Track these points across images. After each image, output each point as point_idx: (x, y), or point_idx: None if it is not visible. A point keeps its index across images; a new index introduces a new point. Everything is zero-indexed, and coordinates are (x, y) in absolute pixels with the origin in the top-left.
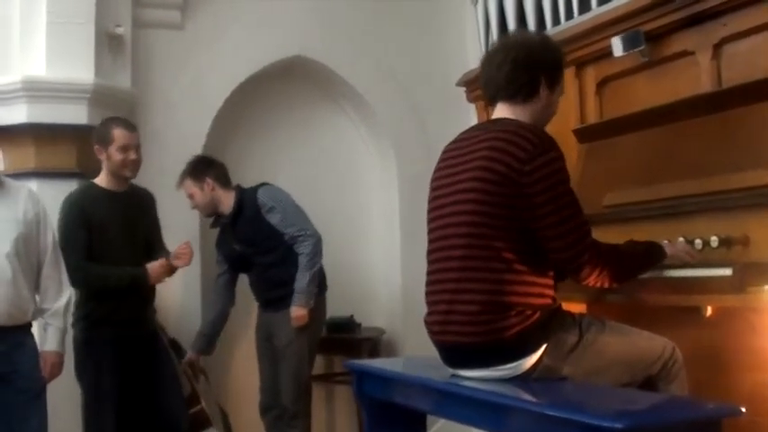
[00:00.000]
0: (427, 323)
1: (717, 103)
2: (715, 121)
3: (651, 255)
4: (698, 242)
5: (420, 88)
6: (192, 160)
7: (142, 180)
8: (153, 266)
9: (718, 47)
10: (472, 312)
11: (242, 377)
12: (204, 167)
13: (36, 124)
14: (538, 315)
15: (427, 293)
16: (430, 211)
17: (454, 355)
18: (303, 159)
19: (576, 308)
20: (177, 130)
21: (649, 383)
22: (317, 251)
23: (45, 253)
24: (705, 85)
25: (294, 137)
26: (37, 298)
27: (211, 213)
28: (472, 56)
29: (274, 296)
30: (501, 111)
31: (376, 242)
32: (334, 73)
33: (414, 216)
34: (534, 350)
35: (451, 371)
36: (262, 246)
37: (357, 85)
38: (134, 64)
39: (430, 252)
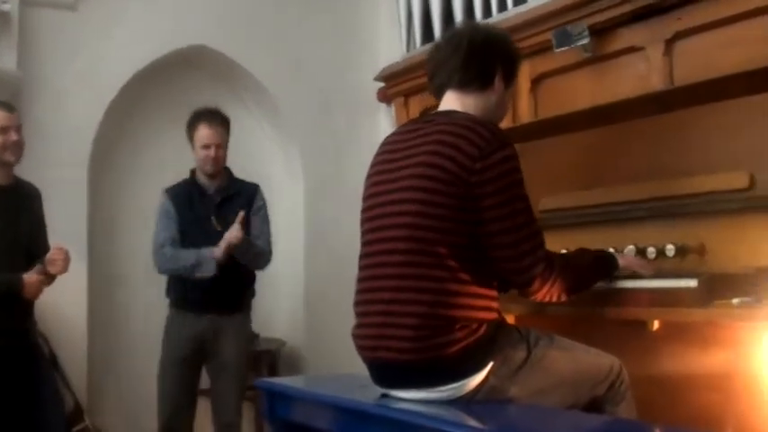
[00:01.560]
0: (356, 337)
1: (669, 102)
2: (666, 122)
3: (604, 266)
4: (651, 250)
5: (329, 84)
6: (217, 109)
7: (23, 173)
8: (31, 279)
9: (670, 42)
10: (411, 326)
11: None
12: (230, 124)
13: None
14: (484, 329)
15: (357, 303)
16: (364, 210)
17: (388, 373)
18: None
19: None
20: (66, 120)
21: (595, 405)
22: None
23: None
24: (655, 83)
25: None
26: None
27: (216, 173)
28: (386, 51)
29: (231, 297)
30: (449, 102)
31: (278, 247)
32: (238, 65)
33: (319, 220)
34: (480, 368)
35: (383, 391)
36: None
37: (262, 78)
38: (21, 45)
39: (363, 257)
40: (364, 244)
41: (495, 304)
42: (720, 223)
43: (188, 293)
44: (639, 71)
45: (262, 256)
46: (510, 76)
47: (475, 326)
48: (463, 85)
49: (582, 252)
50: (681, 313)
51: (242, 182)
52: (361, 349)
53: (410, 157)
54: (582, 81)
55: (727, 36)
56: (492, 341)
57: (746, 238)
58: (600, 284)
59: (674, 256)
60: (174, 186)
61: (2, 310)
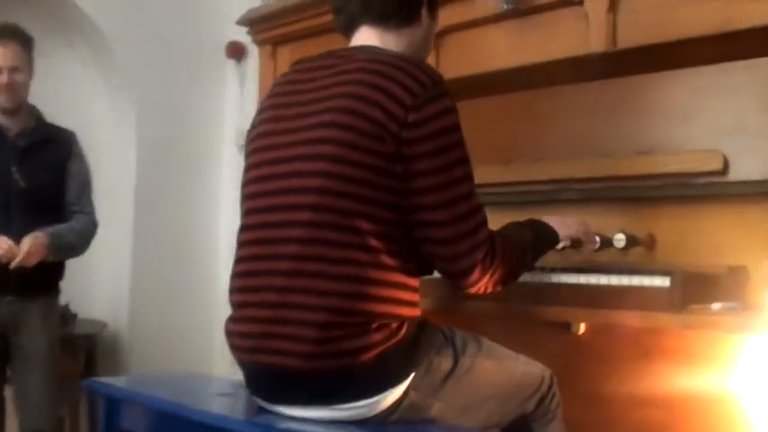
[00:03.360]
0: (231, 334)
1: (613, 66)
2: (608, 90)
3: (542, 241)
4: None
5: (173, 33)
6: (14, 25)
7: None
8: None
9: None
10: (313, 323)
11: None
12: (32, 46)
13: None
14: (405, 330)
15: (234, 290)
16: (248, 169)
17: (274, 383)
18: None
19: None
20: None
21: (521, 424)
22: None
23: None
24: (595, 45)
25: None
26: None
27: (15, 108)
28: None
29: (33, 276)
30: (364, 39)
31: (102, 214)
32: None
33: (153, 186)
34: (398, 381)
35: (263, 404)
36: (50, 196)
37: (95, 16)
38: None
39: (244, 230)
40: (247, 213)
41: (417, 297)
42: (676, 212)
43: None
44: (574, 30)
45: (81, 241)
46: (435, 5)
47: (395, 325)
48: (383, 18)
49: (518, 228)
50: (649, 318)
51: (53, 126)
52: (238, 350)
53: (318, 101)
54: (497, 39)
55: None
56: (414, 345)
57: (708, 231)
58: (538, 276)
59: (623, 248)
60: None
61: None
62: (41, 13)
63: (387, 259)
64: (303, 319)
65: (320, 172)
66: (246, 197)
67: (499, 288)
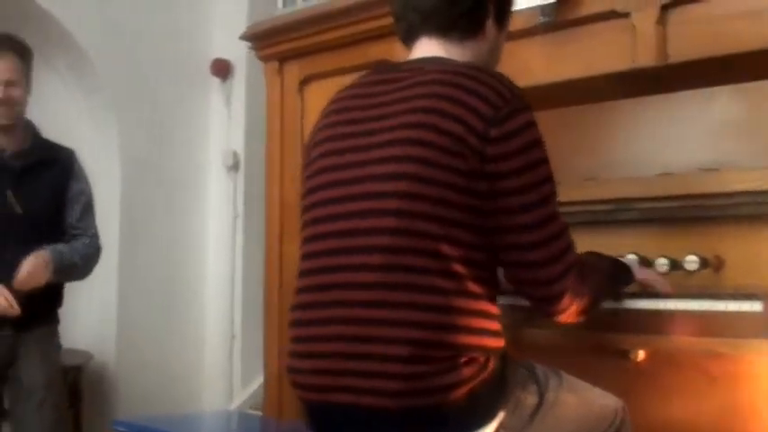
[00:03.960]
0: (296, 370)
1: (662, 81)
2: (666, 105)
3: (618, 278)
4: (662, 262)
5: (155, 52)
6: (12, 35)
7: None
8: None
9: (666, 9)
10: (397, 357)
11: None
12: (30, 58)
13: None
14: (492, 364)
15: (298, 323)
16: (312, 191)
17: (352, 425)
18: None
19: None
20: None
21: None
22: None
23: None
24: (643, 59)
25: None
26: None
27: (10, 125)
28: (223, 19)
29: (32, 307)
30: (427, 50)
31: None
32: (47, 13)
33: (138, 209)
34: (489, 419)
35: None
36: (49, 222)
37: (76, 34)
38: None
39: (309, 257)
40: (311, 239)
41: (500, 326)
42: (744, 232)
43: None
44: (619, 44)
45: (84, 262)
46: (503, 17)
47: (483, 359)
48: (444, 30)
49: (597, 257)
50: (740, 345)
51: (51, 144)
52: (305, 388)
53: (391, 116)
54: (535, 54)
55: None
56: (502, 380)
57: None
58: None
59: (693, 271)
60: None
61: None
62: (21, 29)
63: (472, 286)
64: (385, 354)
65: (398, 193)
66: (310, 222)
67: (582, 318)
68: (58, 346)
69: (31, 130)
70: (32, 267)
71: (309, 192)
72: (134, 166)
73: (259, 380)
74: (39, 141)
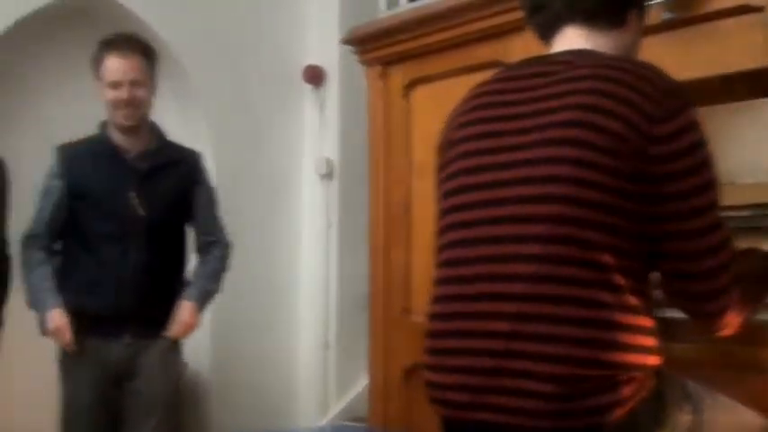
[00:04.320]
0: (436, 385)
1: None
2: None
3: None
4: None
5: (248, 59)
6: (137, 36)
7: None
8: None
9: None
10: (552, 376)
11: None
12: (155, 58)
13: None
14: (650, 382)
15: (438, 334)
16: (451, 194)
17: None
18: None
19: None
20: None
21: None
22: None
23: None
24: None
25: (79, 105)
26: None
27: (135, 126)
28: (318, 26)
29: (158, 309)
30: (571, 42)
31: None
32: (141, 21)
33: (230, 216)
34: None
35: None
36: (172, 226)
37: (170, 42)
38: None
39: (448, 264)
40: (452, 245)
41: (657, 342)
42: None
43: (87, 303)
44: (752, 41)
45: (221, 281)
46: (643, 5)
47: (641, 377)
48: (591, 18)
49: (752, 258)
50: None
51: (177, 146)
52: (447, 404)
53: (542, 114)
54: (659, 52)
55: None
56: (659, 400)
57: None
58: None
59: None
60: (72, 144)
61: None
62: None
63: (631, 299)
64: (538, 372)
65: (556, 197)
66: (449, 227)
67: (737, 330)
68: (181, 359)
69: (156, 131)
70: (187, 319)
71: (448, 194)
72: (227, 175)
73: (355, 390)
74: (164, 143)
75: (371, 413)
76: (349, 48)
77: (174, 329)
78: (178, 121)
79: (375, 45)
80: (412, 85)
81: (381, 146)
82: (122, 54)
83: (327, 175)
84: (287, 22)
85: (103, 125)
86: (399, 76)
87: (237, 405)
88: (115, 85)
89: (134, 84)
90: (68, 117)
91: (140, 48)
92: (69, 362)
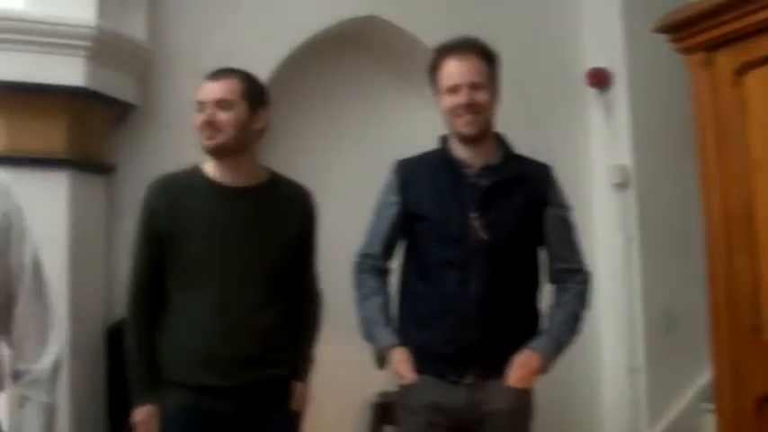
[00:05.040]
0: None
1: None
2: None
3: None
4: None
5: (531, 71)
6: (476, 39)
7: (151, 169)
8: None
9: None
10: None
11: None
12: (497, 61)
13: (5, 83)
14: None
15: None
16: None
17: None
18: (366, 154)
19: None
20: None
21: None
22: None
23: (19, 279)
24: None
25: (355, 124)
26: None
27: (478, 135)
28: (598, 25)
29: (505, 350)
30: None
31: None
32: (416, 41)
33: None
34: None
35: None
36: (519, 252)
37: None
38: (150, 10)
39: None
40: None
41: None
42: None
43: (424, 339)
44: None
45: (583, 309)
46: None
47: None
48: None
49: None
50: None
51: (526, 159)
52: None
53: None
54: None
55: None
56: None
57: None
58: None
59: None
60: (410, 160)
61: None
62: (389, 65)
63: None
64: None
65: None
66: None
67: None
68: (531, 407)
69: (502, 143)
70: (528, 369)
71: None
72: None
73: (668, 417)
74: (509, 156)
75: None
76: (663, 37)
77: (513, 377)
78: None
79: (694, 30)
80: (743, 69)
81: (712, 142)
82: (460, 57)
83: (622, 184)
84: (567, 26)
85: (443, 139)
86: (727, 61)
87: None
88: (454, 89)
89: (473, 87)
90: None
91: (479, 49)
92: (405, 403)
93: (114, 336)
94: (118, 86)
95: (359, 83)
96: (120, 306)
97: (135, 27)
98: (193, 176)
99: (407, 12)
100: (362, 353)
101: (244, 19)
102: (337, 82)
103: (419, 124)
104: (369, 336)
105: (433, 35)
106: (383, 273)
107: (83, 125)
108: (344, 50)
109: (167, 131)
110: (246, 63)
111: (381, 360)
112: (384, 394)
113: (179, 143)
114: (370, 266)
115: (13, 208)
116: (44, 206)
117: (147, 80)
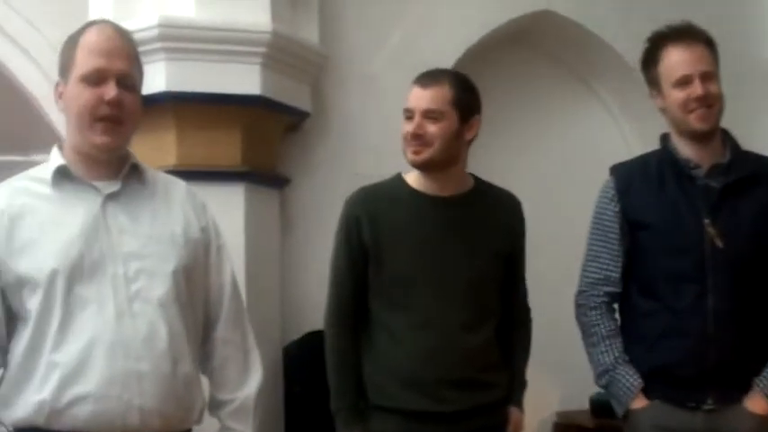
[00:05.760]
0: None
1: None
2: None
3: None
4: None
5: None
6: (695, 25)
7: (323, 177)
8: None
9: None
10: None
11: None
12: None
13: (178, 94)
14: None
15: None
16: None
17: None
18: (546, 158)
19: None
20: (377, 111)
21: None
22: None
23: (219, 300)
24: None
25: (532, 126)
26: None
27: (709, 132)
28: None
29: (748, 371)
30: None
31: None
32: (595, 36)
33: None
34: None
35: None
36: (755, 258)
37: (626, 55)
38: (322, 15)
39: None
40: None
41: None
42: None
43: (657, 360)
44: None
45: None
46: None
47: None
48: None
49: None
50: None
51: (758, 157)
52: None
53: None
54: None
55: None
56: None
57: None
58: None
59: None
60: (627, 163)
61: None
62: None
63: None
64: None
65: None
66: None
67: None
68: None
69: (728, 139)
70: None
71: None
72: None
73: None
74: (739, 153)
75: None
76: None
77: (758, 402)
78: (627, 138)
79: None
80: None
81: None
82: (686, 44)
83: None
84: (745, 15)
85: (664, 138)
86: None
87: None
88: (684, 80)
89: (705, 77)
90: None
91: (703, 36)
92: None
93: (292, 356)
94: (292, 94)
95: (533, 82)
96: (295, 324)
97: (307, 31)
98: (396, 187)
99: (584, 6)
100: (535, 371)
101: (414, 20)
102: (510, 82)
103: (596, 128)
104: (610, 384)
105: (612, 30)
106: (616, 299)
107: (257, 136)
108: (517, 48)
109: (340, 141)
110: (418, 67)
111: (625, 412)
112: (562, 414)
113: (353, 153)
114: (606, 296)
115: (210, 223)
116: (220, 222)
117: (319, 84)
